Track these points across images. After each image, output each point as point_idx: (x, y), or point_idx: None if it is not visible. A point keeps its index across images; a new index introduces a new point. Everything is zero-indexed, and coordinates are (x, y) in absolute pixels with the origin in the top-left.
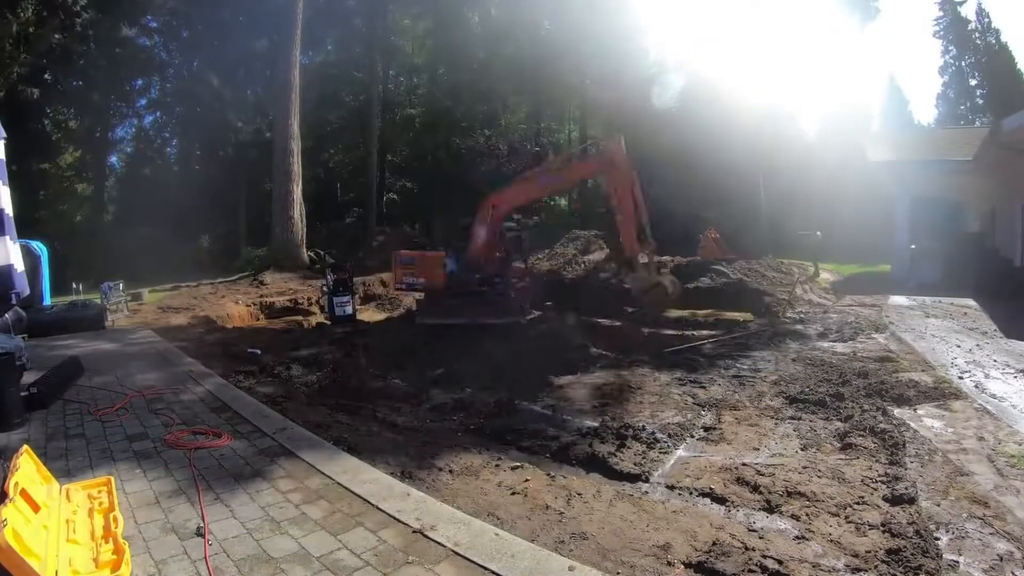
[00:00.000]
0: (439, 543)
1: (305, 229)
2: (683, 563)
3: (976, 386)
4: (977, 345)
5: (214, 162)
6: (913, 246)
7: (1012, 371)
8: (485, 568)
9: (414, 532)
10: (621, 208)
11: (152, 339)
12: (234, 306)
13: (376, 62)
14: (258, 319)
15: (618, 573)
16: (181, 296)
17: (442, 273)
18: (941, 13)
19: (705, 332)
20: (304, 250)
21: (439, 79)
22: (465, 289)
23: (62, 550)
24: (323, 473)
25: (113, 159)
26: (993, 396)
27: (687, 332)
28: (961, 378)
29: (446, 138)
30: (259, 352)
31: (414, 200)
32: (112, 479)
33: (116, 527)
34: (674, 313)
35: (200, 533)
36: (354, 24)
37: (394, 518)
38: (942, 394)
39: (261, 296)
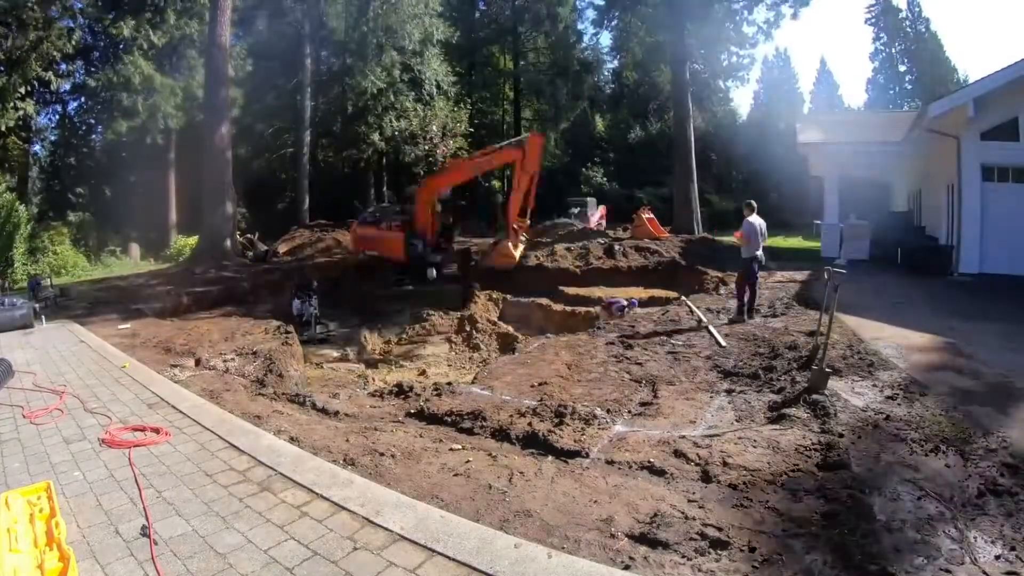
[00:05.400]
0: (386, 528)
1: (236, 216)
2: (626, 535)
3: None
4: None
5: (143, 149)
6: (841, 225)
7: None
8: (432, 550)
9: (360, 519)
10: (519, 185)
11: (85, 336)
12: (167, 298)
13: (306, 43)
14: (192, 310)
15: (563, 548)
16: (112, 290)
17: (401, 248)
18: (873, 1)
19: (641, 311)
20: (236, 237)
21: (371, 60)
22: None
23: (6, 561)
24: (266, 465)
25: (36, 148)
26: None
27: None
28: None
29: (379, 121)
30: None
31: (347, 182)
32: (51, 484)
33: (59, 533)
34: (608, 293)
35: (145, 533)
36: (284, 4)
37: (339, 506)
38: (870, 364)
39: (194, 286)
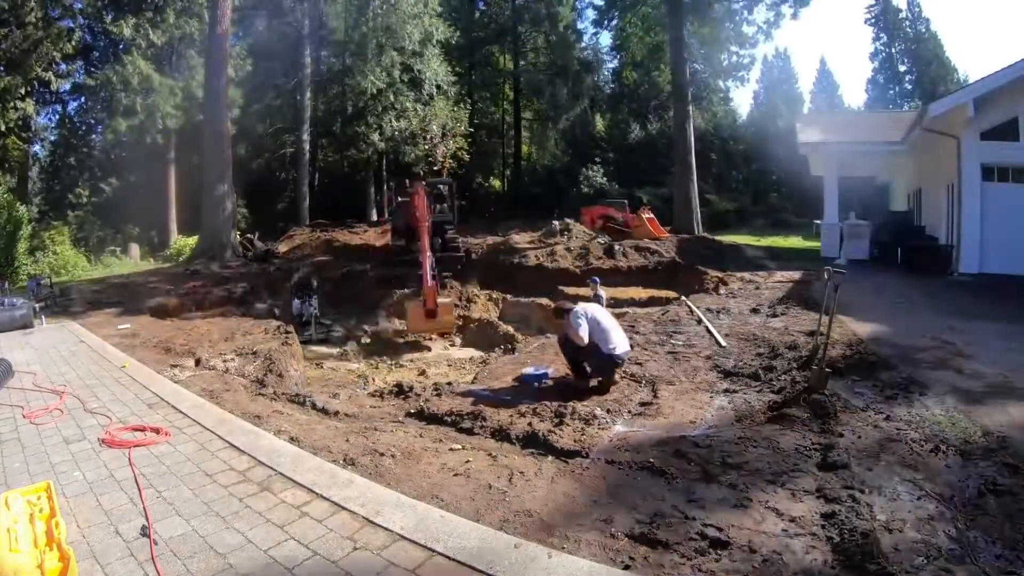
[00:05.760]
0: (386, 528)
1: (236, 216)
2: (626, 535)
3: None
4: None
5: (143, 149)
6: (841, 225)
7: None
8: (432, 550)
9: (360, 519)
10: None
11: (84, 336)
12: (167, 298)
13: (306, 43)
14: (192, 310)
15: (563, 548)
16: (112, 289)
17: None
18: (873, 1)
19: (641, 311)
20: (236, 237)
21: (371, 60)
22: None
23: (6, 561)
24: (266, 465)
25: (36, 148)
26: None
27: (623, 310)
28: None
29: (379, 121)
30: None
31: (347, 182)
32: (51, 484)
33: (59, 533)
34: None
35: (145, 533)
36: (284, 4)
37: (339, 506)
38: (870, 364)
39: (194, 286)
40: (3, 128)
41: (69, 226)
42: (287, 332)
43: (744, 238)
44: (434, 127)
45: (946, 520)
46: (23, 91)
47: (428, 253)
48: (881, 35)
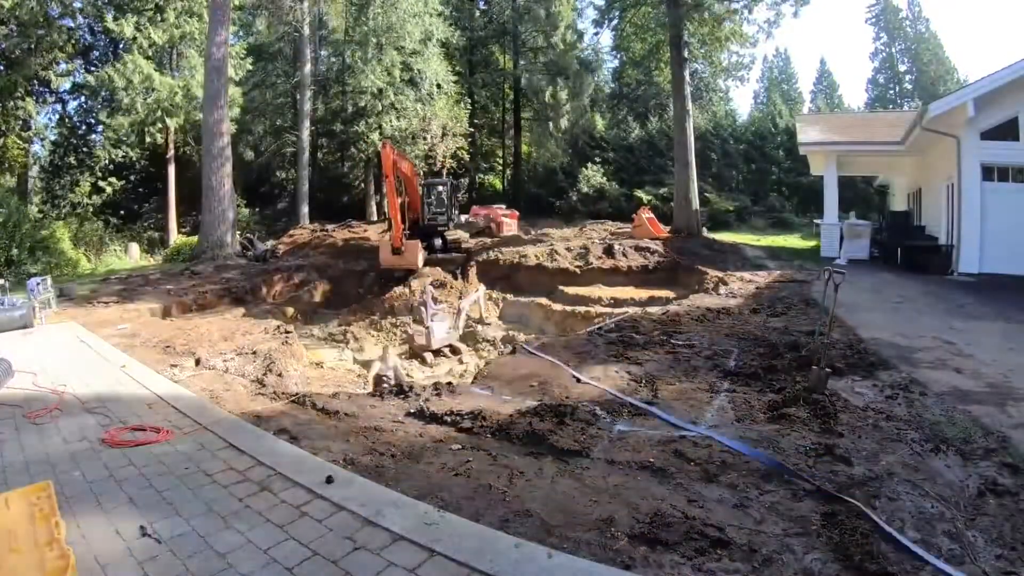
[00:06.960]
0: (386, 528)
1: (235, 215)
2: (626, 535)
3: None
4: None
5: (143, 148)
6: (841, 224)
7: None
8: (432, 550)
9: (360, 519)
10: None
11: (84, 336)
12: (167, 298)
13: (306, 43)
14: (192, 310)
15: (564, 548)
16: (112, 290)
17: None
18: (873, 0)
19: (639, 311)
20: (235, 236)
21: (372, 59)
22: None
23: (6, 561)
24: (266, 465)
25: (36, 147)
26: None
27: (623, 309)
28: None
29: (379, 120)
30: (194, 346)
31: (347, 182)
32: (51, 483)
33: (59, 533)
34: (607, 292)
35: (145, 533)
36: (284, 4)
37: (339, 506)
38: (870, 364)
39: (193, 286)
40: (3, 128)
41: (69, 225)
42: (287, 332)
43: (744, 238)
44: (434, 127)
45: (946, 520)
46: (23, 90)
47: (396, 203)
48: (881, 35)
